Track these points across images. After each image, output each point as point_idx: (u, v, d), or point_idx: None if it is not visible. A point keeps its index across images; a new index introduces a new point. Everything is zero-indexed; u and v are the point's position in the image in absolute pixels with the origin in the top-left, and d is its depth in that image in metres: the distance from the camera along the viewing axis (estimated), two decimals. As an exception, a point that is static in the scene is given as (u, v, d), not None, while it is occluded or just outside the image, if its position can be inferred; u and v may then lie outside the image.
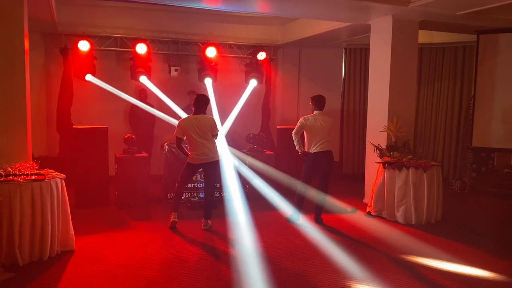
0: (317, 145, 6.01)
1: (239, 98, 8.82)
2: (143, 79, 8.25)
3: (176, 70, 8.69)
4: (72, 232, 4.85)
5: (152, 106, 8.47)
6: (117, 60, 8.77)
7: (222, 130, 7.86)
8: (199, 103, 5.67)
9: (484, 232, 5.93)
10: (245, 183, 7.16)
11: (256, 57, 9.01)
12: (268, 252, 4.92)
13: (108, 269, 4.36)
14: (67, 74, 8.22)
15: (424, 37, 8.28)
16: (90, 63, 8.01)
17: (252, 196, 7.12)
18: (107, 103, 8.59)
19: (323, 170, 6.10)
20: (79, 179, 6.76)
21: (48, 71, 8.54)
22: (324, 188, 6.14)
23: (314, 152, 6.01)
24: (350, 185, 8.98)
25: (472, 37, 8.23)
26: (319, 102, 6.19)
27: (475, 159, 8.82)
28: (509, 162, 8.42)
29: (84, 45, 7.86)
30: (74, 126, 7.08)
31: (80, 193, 6.73)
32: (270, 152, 7.80)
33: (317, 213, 6.20)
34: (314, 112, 6.16)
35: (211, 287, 4.01)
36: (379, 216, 6.49)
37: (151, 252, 4.86)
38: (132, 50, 8.26)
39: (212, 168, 5.80)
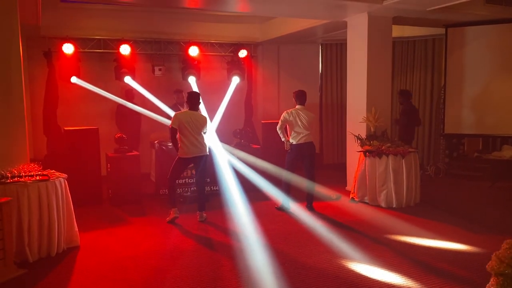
0: (299, 137, 6.42)
1: (222, 95, 9.08)
2: (128, 79, 8.42)
3: (159, 69, 8.89)
4: (76, 229, 5.07)
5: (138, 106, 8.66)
6: (101, 62, 8.89)
7: (212, 126, 8.14)
8: (194, 101, 5.95)
9: (459, 211, 6.44)
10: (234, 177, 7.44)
11: (238, 55, 9.29)
12: (264, 239, 5.25)
13: (115, 261, 4.61)
14: (51, 77, 8.28)
15: (396, 31, 8.73)
16: (75, 65, 8.13)
17: (244, 188, 7.41)
18: (92, 104, 8.73)
19: (307, 160, 6.51)
20: (71, 180, 6.86)
21: (32, 75, 8.58)
22: (311, 177, 6.54)
23: (296, 144, 6.42)
24: (332, 174, 9.41)
25: (441, 30, 8.75)
26: (300, 97, 6.58)
27: (447, 145, 9.41)
28: (478, 147, 9.04)
29: (68, 48, 7.96)
30: (65, 128, 7.20)
31: (73, 193, 6.83)
32: (257, 146, 8.13)
33: (309, 201, 6.60)
34: (296, 106, 6.54)
35: (216, 272, 4.31)
36: (362, 202, 6.92)
37: (154, 244, 5.12)
38: (115, 51, 8.42)
39: (203, 162, 6.08)
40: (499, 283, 0.92)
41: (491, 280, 0.97)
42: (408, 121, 7.89)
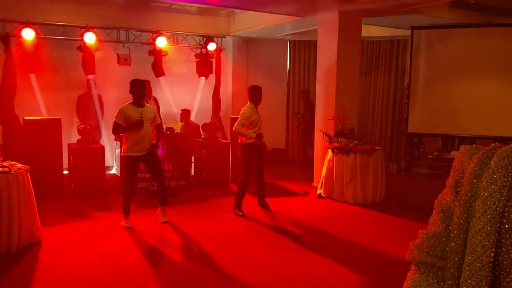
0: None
1: (190, 88, 8.94)
2: (91, 68, 8.10)
3: (125, 59, 8.61)
4: (39, 223, 4.83)
5: (101, 96, 8.40)
6: (64, 49, 8.50)
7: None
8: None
9: (422, 207, 6.63)
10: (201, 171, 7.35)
11: (206, 48, 9.15)
12: (232, 235, 5.21)
13: (81, 257, 4.43)
14: (9, 63, 7.83)
15: (363, 31, 8.92)
16: (35, 52, 7.73)
17: (210, 183, 7.33)
18: (52, 93, 8.35)
19: (261, 158, 6.20)
20: (31, 171, 6.57)
21: (-14, 60, 8.10)
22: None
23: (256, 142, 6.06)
24: (297, 170, 9.48)
25: (406, 32, 8.98)
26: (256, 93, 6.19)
27: (408, 144, 9.70)
28: (438, 146, 9.36)
29: (28, 33, 7.57)
30: (25, 118, 6.85)
31: (33, 185, 6.53)
32: (226, 141, 8.05)
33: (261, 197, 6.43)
34: (251, 103, 6.18)
35: (188, 268, 4.24)
36: (329, 198, 7.01)
37: (122, 240, 4.96)
38: (79, 39, 8.07)
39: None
40: (421, 271, 1.03)
41: (412, 268, 1.07)
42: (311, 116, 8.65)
